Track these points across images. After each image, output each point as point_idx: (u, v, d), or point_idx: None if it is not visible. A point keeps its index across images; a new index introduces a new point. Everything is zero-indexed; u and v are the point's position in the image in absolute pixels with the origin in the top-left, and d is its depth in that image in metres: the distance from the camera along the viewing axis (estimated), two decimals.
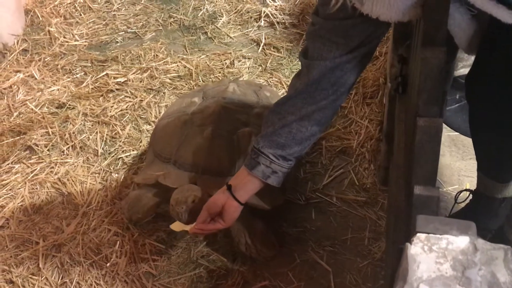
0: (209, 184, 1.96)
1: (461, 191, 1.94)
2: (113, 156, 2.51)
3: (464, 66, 2.81)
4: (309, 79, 1.61)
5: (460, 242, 1.02)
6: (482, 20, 1.42)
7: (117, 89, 2.87)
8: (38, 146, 2.55)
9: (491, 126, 1.63)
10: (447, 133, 2.49)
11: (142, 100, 2.79)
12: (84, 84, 2.90)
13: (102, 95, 2.83)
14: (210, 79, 2.92)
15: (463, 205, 1.97)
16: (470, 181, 2.25)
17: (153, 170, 2.07)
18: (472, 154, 2.39)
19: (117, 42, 3.25)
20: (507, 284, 0.96)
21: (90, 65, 3.05)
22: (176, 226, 1.91)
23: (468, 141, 2.45)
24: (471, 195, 1.92)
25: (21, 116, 2.74)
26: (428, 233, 1.04)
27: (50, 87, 2.90)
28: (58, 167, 2.45)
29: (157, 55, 3.09)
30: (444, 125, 2.51)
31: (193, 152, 2.02)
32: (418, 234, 1.04)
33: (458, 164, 2.34)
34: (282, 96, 2.56)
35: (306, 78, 1.62)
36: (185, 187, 1.93)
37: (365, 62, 1.65)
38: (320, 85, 1.61)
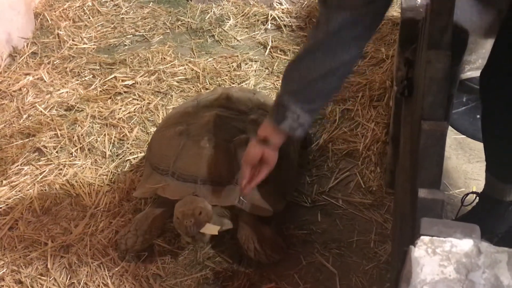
0: (209, 194, 1.97)
1: (467, 194, 1.94)
2: (121, 158, 2.53)
3: (471, 69, 2.80)
4: (329, 29, 1.53)
5: (464, 245, 1.02)
6: (497, 9, 1.39)
7: (125, 92, 2.89)
8: (47, 148, 2.57)
9: (503, 124, 1.61)
10: (454, 136, 2.49)
11: (149, 103, 2.81)
12: (92, 87, 2.93)
13: (110, 98, 2.85)
14: (217, 82, 2.94)
15: (470, 208, 1.97)
16: (477, 184, 2.25)
17: (151, 184, 2.07)
18: (478, 157, 2.39)
19: (125, 45, 3.28)
20: (510, 287, 0.96)
21: (98, 68, 3.08)
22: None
23: (475, 144, 2.45)
24: (477, 198, 1.92)
25: (30, 118, 2.77)
26: (432, 236, 1.05)
27: (59, 89, 2.93)
28: (66, 169, 2.48)
29: (164, 58, 3.11)
30: (451, 128, 2.51)
31: (191, 162, 2.02)
32: (422, 237, 1.05)
33: (464, 167, 2.33)
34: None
35: (325, 28, 1.54)
36: (188, 199, 1.93)
37: (382, 15, 1.58)
38: (341, 38, 1.54)
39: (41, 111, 2.79)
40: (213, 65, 3.06)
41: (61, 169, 2.48)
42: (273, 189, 2.09)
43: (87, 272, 2.05)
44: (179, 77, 2.98)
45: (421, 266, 0.99)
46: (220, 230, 1.98)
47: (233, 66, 3.05)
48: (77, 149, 2.57)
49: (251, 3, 3.49)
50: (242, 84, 2.91)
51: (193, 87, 2.92)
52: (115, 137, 2.62)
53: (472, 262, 0.99)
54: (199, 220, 1.86)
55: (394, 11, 3.38)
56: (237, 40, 3.26)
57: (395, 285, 1.19)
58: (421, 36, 1.51)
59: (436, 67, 1.27)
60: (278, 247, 2.02)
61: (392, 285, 1.63)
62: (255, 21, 3.38)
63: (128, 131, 2.65)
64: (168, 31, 3.38)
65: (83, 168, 2.48)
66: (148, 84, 2.94)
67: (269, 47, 3.16)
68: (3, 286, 2.03)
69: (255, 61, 3.08)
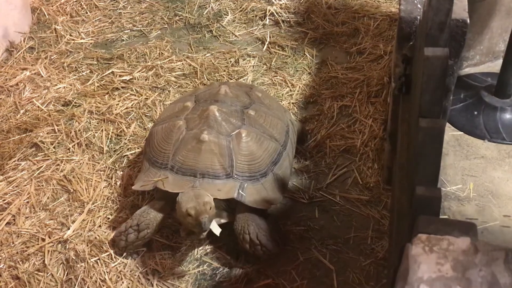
0: (208, 187, 1.98)
1: None
2: (118, 153, 2.53)
3: (469, 65, 2.80)
4: None
5: (461, 243, 1.02)
6: None
7: (122, 87, 2.88)
8: (44, 144, 2.56)
9: None
10: (451, 132, 2.49)
11: (147, 98, 2.80)
12: (90, 82, 2.92)
13: (107, 93, 2.84)
14: (215, 78, 2.93)
15: (467, 205, 1.97)
16: (474, 181, 2.25)
17: (150, 177, 2.09)
18: (476, 153, 2.39)
19: (123, 40, 3.26)
20: (507, 285, 0.96)
21: (96, 63, 3.07)
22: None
23: (472, 140, 2.45)
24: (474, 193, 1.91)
25: (27, 113, 2.76)
26: (429, 234, 1.05)
27: (56, 84, 2.92)
28: (63, 164, 2.47)
29: (162, 53, 3.10)
30: (449, 124, 2.51)
31: (190, 156, 2.04)
32: (419, 235, 1.05)
33: (462, 164, 2.33)
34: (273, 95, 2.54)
35: None
36: (191, 194, 1.93)
37: None
38: None
39: (38, 106, 2.78)
40: (211, 61, 3.05)
41: (58, 165, 2.47)
42: (271, 184, 2.10)
43: (85, 268, 2.05)
44: (177, 73, 2.97)
45: (418, 264, 1.00)
46: (220, 224, 2.01)
47: (231, 61, 3.04)
48: (74, 145, 2.56)
49: None
50: (240, 80, 2.90)
51: (191, 82, 2.91)
52: (112, 132, 2.62)
53: (469, 260, 0.99)
54: (211, 214, 1.89)
55: (392, 7, 3.37)
56: (235, 36, 3.25)
57: (392, 282, 1.19)
58: (419, 33, 1.51)
59: (434, 64, 1.26)
60: (273, 240, 2.03)
61: (389, 281, 1.64)
62: (253, 16, 3.37)
63: (126, 127, 2.64)
64: (166, 26, 3.36)
65: (80, 164, 2.48)
66: (145, 80, 2.93)
67: (267, 42, 3.16)
68: (0, 282, 2.03)
69: (253, 57, 3.07)
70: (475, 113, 2.54)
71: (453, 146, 2.43)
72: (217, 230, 1.93)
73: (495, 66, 2.71)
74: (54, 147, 2.56)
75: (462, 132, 2.49)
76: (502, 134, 2.45)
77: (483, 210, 2.13)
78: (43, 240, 2.16)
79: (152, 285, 1.99)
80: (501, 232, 2.05)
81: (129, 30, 3.33)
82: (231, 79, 2.92)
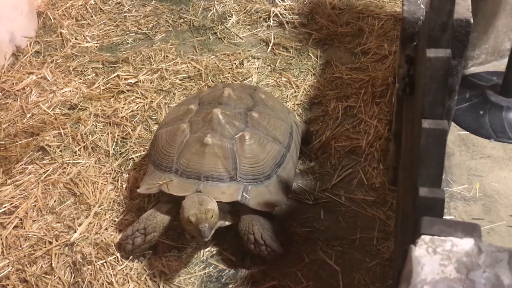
0: (212, 190, 1.99)
1: None
2: (124, 156, 2.54)
3: (474, 64, 2.79)
4: None
5: (465, 244, 1.02)
6: None
7: (128, 90, 2.89)
8: (50, 147, 2.58)
9: None
10: (457, 132, 2.48)
11: (152, 101, 2.82)
12: (95, 86, 2.94)
13: (113, 96, 2.86)
14: (220, 80, 2.94)
15: (473, 205, 1.96)
16: (480, 180, 2.24)
17: (154, 180, 2.10)
18: (482, 153, 2.38)
19: (128, 43, 3.28)
20: (511, 287, 0.96)
21: (101, 66, 3.09)
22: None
23: (478, 140, 2.44)
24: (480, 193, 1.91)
25: (34, 117, 2.78)
26: (432, 235, 1.05)
27: (62, 88, 2.94)
28: (70, 167, 2.49)
29: (167, 56, 3.11)
30: (454, 124, 2.51)
31: (194, 159, 2.05)
32: (422, 236, 1.05)
33: (467, 163, 2.33)
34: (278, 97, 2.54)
35: None
36: (195, 199, 1.94)
37: None
38: None
39: (44, 110, 2.80)
40: (216, 63, 3.06)
41: (65, 168, 2.49)
42: (275, 186, 2.10)
43: (91, 270, 2.06)
44: (182, 75, 2.98)
45: (422, 265, 0.99)
46: (224, 226, 2.03)
47: (235, 63, 3.04)
48: (80, 148, 2.58)
49: (253, 0, 3.48)
50: (244, 82, 2.91)
51: (196, 85, 2.92)
52: (118, 135, 2.63)
53: (473, 261, 0.99)
54: (212, 222, 1.89)
55: (397, 7, 3.37)
56: (240, 37, 3.26)
57: (397, 284, 1.19)
58: (422, 33, 1.50)
59: (436, 65, 1.26)
60: (278, 241, 2.03)
61: (395, 282, 1.63)
62: (257, 18, 3.37)
63: (131, 130, 2.66)
64: (171, 28, 3.38)
65: (86, 167, 2.49)
66: (150, 82, 2.94)
67: (271, 44, 3.16)
68: (8, 284, 2.04)
69: (258, 58, 3.07)
70: (481, 112, 2.53)
71: (458, 145, 2.42)
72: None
73: (501, 65, 2.70)
74: (60, 151, 2.57)
75: (468, 132, 2.48)
76: (508, 133, 2.44)
77: (490, 210, 2.12)
78: (50, 243, 2.17)
79: (159, 287, 2.00)
80: (507, 232, 2.04)
81: (134, 33, 3.35)
82: (236, 81, 2.92)
